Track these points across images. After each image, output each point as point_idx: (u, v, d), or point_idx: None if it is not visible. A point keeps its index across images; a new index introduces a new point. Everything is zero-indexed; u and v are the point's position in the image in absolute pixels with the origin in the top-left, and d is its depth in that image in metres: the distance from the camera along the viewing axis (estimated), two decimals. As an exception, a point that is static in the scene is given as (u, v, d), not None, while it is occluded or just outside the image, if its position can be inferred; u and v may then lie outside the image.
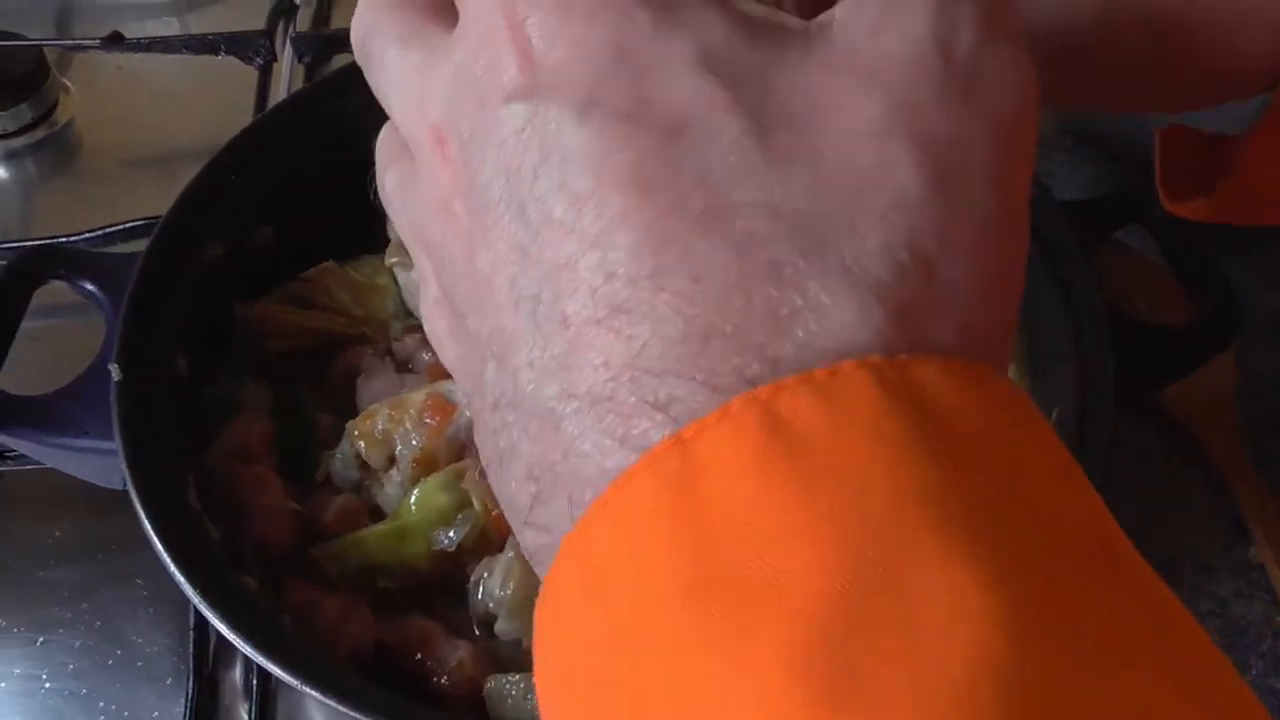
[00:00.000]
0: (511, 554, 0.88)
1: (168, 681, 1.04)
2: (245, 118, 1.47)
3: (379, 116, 1.11)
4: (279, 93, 1.50)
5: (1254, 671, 1.03)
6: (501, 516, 0.91)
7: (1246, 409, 1.21)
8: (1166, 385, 0.98)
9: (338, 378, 1.06)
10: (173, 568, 0.77)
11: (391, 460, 0.96)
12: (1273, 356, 1.26)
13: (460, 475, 0.93)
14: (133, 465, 0.81)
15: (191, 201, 0.99)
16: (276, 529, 0.92)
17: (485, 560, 0.90)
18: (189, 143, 1.50)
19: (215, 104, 1.52)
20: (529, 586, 0.87)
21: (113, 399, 0.84)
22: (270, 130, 1.06)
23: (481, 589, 0.89)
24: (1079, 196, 1.18)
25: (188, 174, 1.29)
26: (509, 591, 0.87)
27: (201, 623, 1.00)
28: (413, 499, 0.93)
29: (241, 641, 0.74)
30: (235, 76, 1.52)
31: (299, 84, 1.49)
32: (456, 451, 0.96)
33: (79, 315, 1.18)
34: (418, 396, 0.98)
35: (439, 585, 0.93)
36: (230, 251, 1.02)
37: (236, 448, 0.97)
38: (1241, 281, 1.41)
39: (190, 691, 1.01)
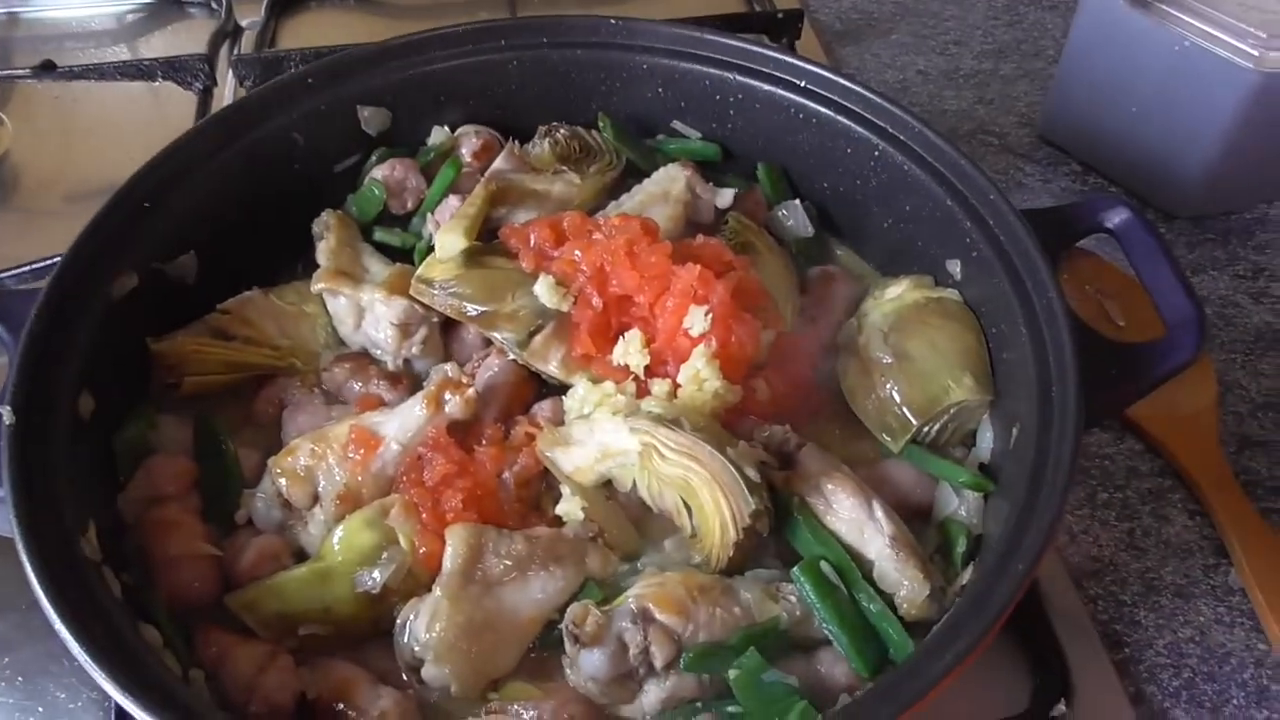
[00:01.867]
0: (439, 593, 0.83)
1: (91, 739, 0.98)
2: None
3: (313, 134, 1.07)
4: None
5: (1234, 702, 0.97)
6: (430, 555, 0.86)
7: (1229, 426, 1.16)
8: (1134, 401, 0.93)
9: (261, 412, 1.00)
10: (57, 622, 0.71)
11: (315, 498, 0.91)
12: (1258, 371, 1.21)
13: (385, 512, 0.87)
14: (21, 515, 0.76)
15: (99, 232, 0.94)
16: (189, 578, 0.86)
17: (411, 602, 0.84)
18: (130, 173, 1.45)
19: (156, 131, 1.45)
20: (457, 628, 0.81)
21: (3, 444, 0.78)
22: (189, 153, 1.01)
23: (407, 632, 0.83)
24: (1048, 204, 1.13)
25: None
26: (435, 634, 0.81)
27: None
28: (335, 538, 0.87)
29: (124, 698, 0.68)
30: (175, 103, 1.47)
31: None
32: (383, 487, 0.91)
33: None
34: (341, 429, 0.92)
35: (366, 630, 0.87)
36: (146, 283, 0.96)
37: (148, 493, 0.91)
38: (1226, 293, 1.37)
39: (111, 749, 0.95)
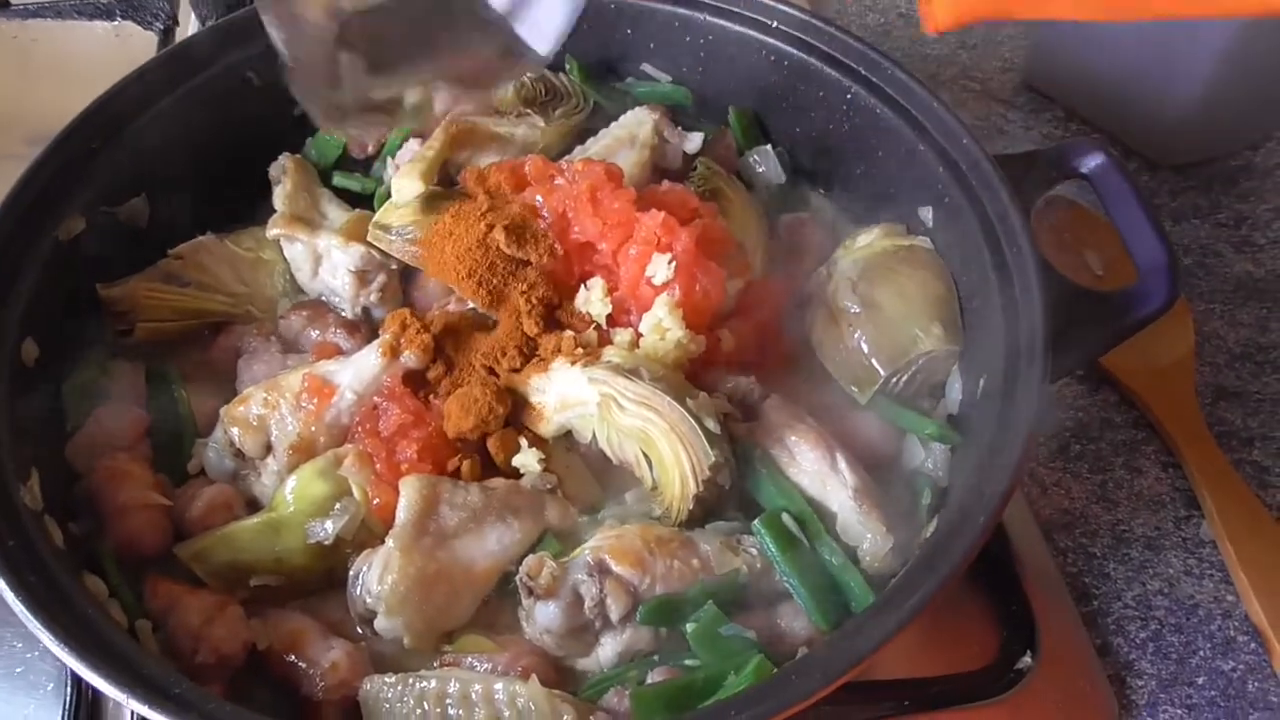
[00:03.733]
0: (392, 545, 0.81)
1: (49, 688, 0.96)
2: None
3: (269, 74, 1.04)
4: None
5: (1201, 654, 0.97)
6: (384, 506, 0.84)
7: (1205, 377, 1.14)
8: (1106, 349, 0.91)
9: (216, 360, 0.98)
10: (10, 591, 0.69)
11: (268, 448, 0.89)
12: (1237, 321, 1.19)
13: (338, 462, 0.86)
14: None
15: (42, 173, 0.91)
16: (137, 527, 0.85)
17: (365, 553, 0.83)
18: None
19: (117, 72, 1.42)
20: (410, 580, 0.80)
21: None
22: (137, 92, 0.98)
23: (360, 583, 0.82)
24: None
25: None
26: (387, 585, 0.79)
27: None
28: (288, 488, 0.85)
29: (58, 647, 0.67)
30: (135, 42, 1.43)
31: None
32: (337, 436, 0.89)
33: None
34: (295, 378, 0.90)
35: (319, 581, 0.86)
36: (93, 226, 0.94)
37: (97, 441, 0.89)
38: (1207, 242, 1.35)
39: (68, 698, 0.94)
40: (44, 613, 0.68)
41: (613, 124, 1.08)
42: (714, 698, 0.75)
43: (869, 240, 1.01)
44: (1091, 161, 0.96)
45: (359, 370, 0.90)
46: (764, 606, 0.82)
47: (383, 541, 0.83)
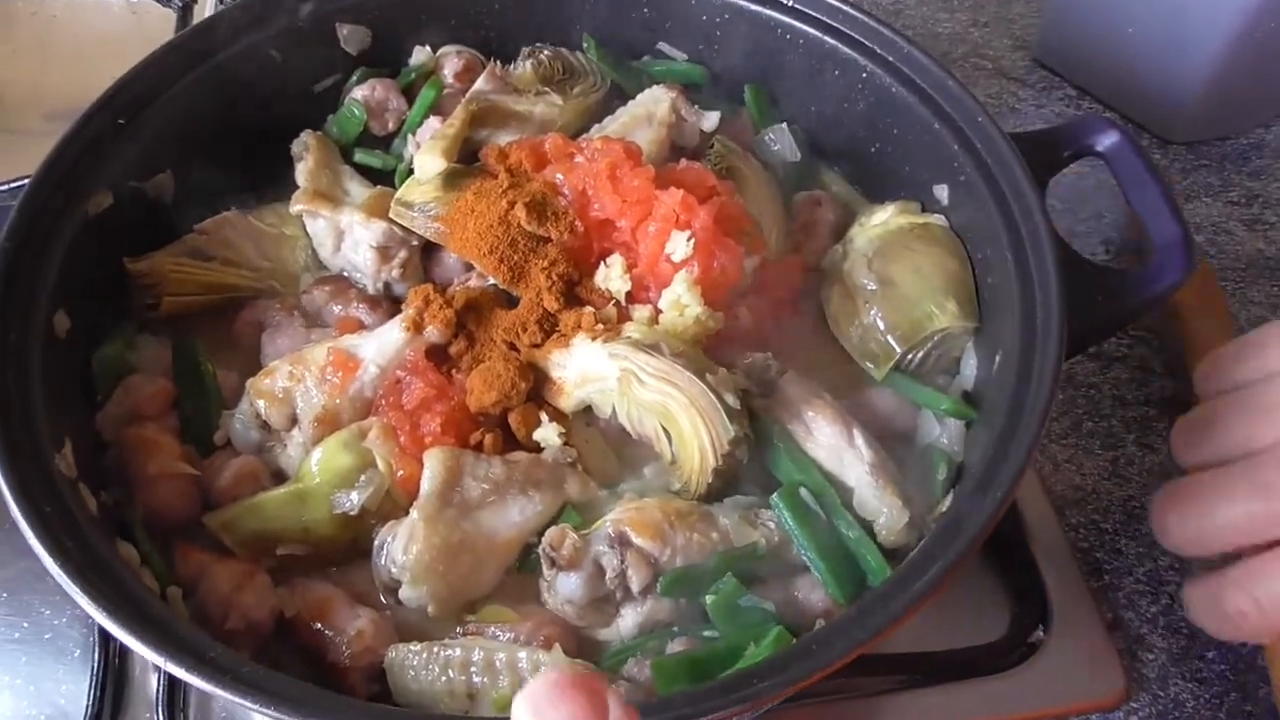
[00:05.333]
0: (416, 516, 0.83)
1: (75, 654, 0.99)
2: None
3: (292, 51, 1.05)
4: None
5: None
6: (408, 478, 0.86)
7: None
8: (1120, 326, 0.92)
9: (241, 334, 0.99)
10: (32, 537, 0.71)
11: (293, 420, 0.90)
12: (1248, 299, 1.20)
13: (363, 434, 0.87)
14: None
15: (70, 148, 0.92)
16: (166, 496, 0.86)
17: (389, 524, 0.84)
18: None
19: (136, 49, 1.42)
20: (434, 550, 0.81)
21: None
22: (163, 68, 0.99)
23: (384, 554, 0.83)
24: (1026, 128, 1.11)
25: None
26: (411, 555, 0.81)
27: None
28: (314, 460, 0.87)
29: (98, 612, 0.68)
30: (154, 19, 1.44)
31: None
32: (361, 409, 0.90)
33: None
34: (319, 351, 0.92)
35: (345, 551, 0.87)
36: (121, 201, 0.95)
37: (127, 411, 0.91)
38: (1219, 220, 1.35)
39: (96, 664, 0.96)
40: (82, 579, 0.70)
41: (630, 102, 1.09)
42: (734, 667, 0.76)
43: (884, 218, 1.01)
44: (1106, 139, 0.97)
45: (382, 344, 0.91)
46: (781, 579, 0.84)
47: (407, 512, 0.84)
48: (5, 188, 1.21)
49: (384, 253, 0.99)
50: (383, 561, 0.83)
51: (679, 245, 0.91)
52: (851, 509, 0.85)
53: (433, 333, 0.91)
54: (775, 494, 0.85)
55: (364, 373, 0.90)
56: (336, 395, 0.90)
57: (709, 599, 0.80)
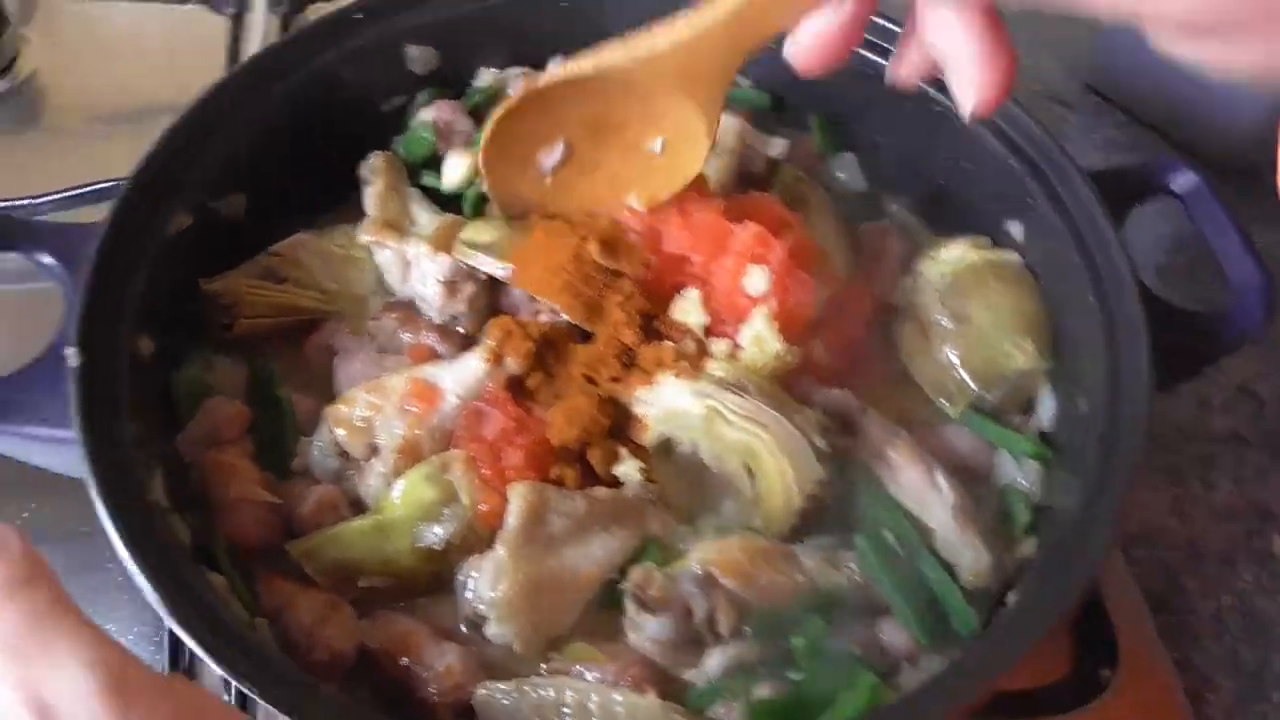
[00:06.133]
0: (502, 552, 0.82)
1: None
2: (216, 71, 1.38)
3: (360, 72, 1.04)
4: (251, 44, 1.40)
5: (1274, 667, 0.99)
6: (491, 512, 0.86)
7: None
8: (1198, 371, 0.92)
9: (311, 357, 0.99)
10: (134, 568, 0.71)
11: (373, 449, 0.90)
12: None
13: (446, 467, 0.87)
14: (93, 459, 0.75)
15: (156, 167, 0.91)
16: (249, 523, 0.86)
17: (473, 559, 0.84)
18: (158, 98, 1.39)
19: (185, 56, 1.42)
20: (520, 587, 0.81)
21: (70, 386, 0.77)
22: (242, 87, 0.99)
23: (470, 590, 0.83)
24: (1093, 158, 1.10)
25: (156, 132, 1.21)
26: (499, 592, 0.81)
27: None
28: (396, 492, 0.87)
29: (201, 650, 0.68)
30: (205, 26, 1.43)
31: (274, 35, 1.40)
32: (442, 440, 0.90)
33: (40, 282, 1.09)
34: (399, 381, 0.91)
35: (425, 584, 0.87)
36: (198, 221, 0.95)
37: (207, 434, 0.90)
38: (1276, 251, 1.35)
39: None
40: (183, 612, 0.70)
41: None
42: (828, 713, 0.77)
43: (957, 253, 1.01)
44: (1183, 180, 0.97)
45: (462, 375, 0.91)
46: (863, 620, 0.84)
47: (489, 546, 0.84)
48: (58, 196, 1.20)
49: (451, 287, 0.99)
50: (468, 597, 0.83)
51: (756, 280, 0.91)
52: (934, 550, 0.85)
53: (512, 364, 0.91)
54: (859, 535, 0.85)
55: (444, 403, 0.90)
56: (418, 425, 0.89)
57: (795, 641, 0.81)
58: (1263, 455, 1.12)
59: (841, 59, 0.69)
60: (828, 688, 0.79)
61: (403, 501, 0.86)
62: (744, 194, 1.02)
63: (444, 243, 0.99)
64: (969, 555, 0.84)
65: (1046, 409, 0.95)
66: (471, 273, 0.99)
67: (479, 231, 0.99)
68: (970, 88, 0.60)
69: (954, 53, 0.61)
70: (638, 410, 0.89)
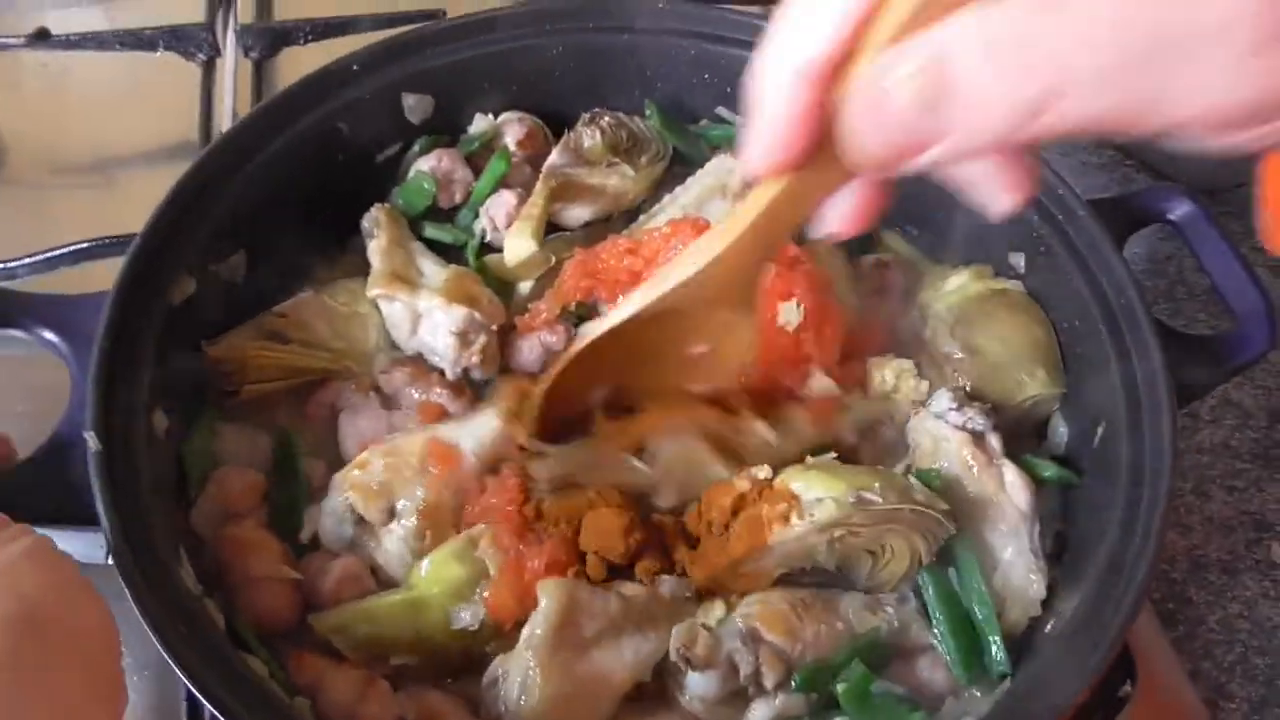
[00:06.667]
0: (530, 659, 0.79)
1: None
2: (188, 120, 1.35)
3: (357, 123, 1.02)
4: (223, 91, 1.37)
5: (1286, 674, 1.02)
6: (502, 606, 0.82)
7: (1273, 401, 1.19)
8: (1206, 394, 0.95)
9: (314, 415, 0.96)
10: (180, 670, 0.69)
11: (391, 513, 0.88)
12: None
13: (474, 544, 0.85)
14: (126, 554, 0.73)
15: (159, 234, 0.89)
16: (275, 602, 0.84)
17: (500, 658, 0.82)
18: (127, 149, 1.36)
19: (154, 105, 1.39)
20: (549, 700, 0.78)
21: (94, 475, 0.75)
22: (240, 145, 0.96)
23: (499, 694, 0.80)
24: (1087, 193, 1.13)
25: (128, 185, 1.19)
26: (526, 703, 0.78)
27: (194, 700, 0.90)
28: (423, 569, 0.85)
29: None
30: (174, 74, 1.39)
31: (246, 82, 1.37)
32: (461, 502, 0.88)
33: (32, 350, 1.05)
34: (416, 442, 0.89)
35: (456, 662, 0.85)
36: (201, 286, 0.92)
37: (220, 508, 0.88)
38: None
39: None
40: (235, 703, 0.68)
41: (698, 173, 1.08)
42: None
43: (960, 283, 1.03)
44: (1179, 208, 1.00)
45: (479, 434, 0.90)
46: (902, 660, 0.85)
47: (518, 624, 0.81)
48: (40, 258, 1.16)
49: (464, 338, 0.97)
50: (495, 701, 0.80)
51: (790, 313, 0.91)
52: (990, 583, 0.86)
53: (529, 419, 0.90)
54: (923, 571, 0.85)
55: (464, 463, 0.89)
56: (439, 487, 0.88)
57: (840, 688, 0.81)
58: (1253, 465, 1.16)
59: (875, 221, 0.66)
60: (877, 728, 0.79)
61: (431, 579, 0.84)
62: None
63: (457, 294, 0.98)
64: (1032, 590, 0.85)
65: (1059, 435, 0.97)
66: (484, 323, 0.98)
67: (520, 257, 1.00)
68: (1004, 193, 0.57)
69: (981, 175, 0.58)
70: (747, 567, 0.85)
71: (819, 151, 0.57)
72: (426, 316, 0.98)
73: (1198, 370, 0.92)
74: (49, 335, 0.86)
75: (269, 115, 0.98)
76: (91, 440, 0.76)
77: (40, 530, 0.75)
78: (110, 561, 0.75)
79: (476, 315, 0.97)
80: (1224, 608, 1.06)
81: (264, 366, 0.95)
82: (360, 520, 0.89)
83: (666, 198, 1.08)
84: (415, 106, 1.07)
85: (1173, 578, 1.08)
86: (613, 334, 0.82)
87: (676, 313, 0.79)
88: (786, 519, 0.82)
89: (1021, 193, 0.57)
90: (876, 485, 0.82)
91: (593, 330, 0.85)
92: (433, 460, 0.89)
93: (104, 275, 0.92)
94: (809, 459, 0.88)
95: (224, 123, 1.35)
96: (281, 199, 1.00)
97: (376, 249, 1.01)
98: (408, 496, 0.88)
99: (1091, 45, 0.45)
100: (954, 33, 0.48)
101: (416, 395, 0.98)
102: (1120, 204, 1.02)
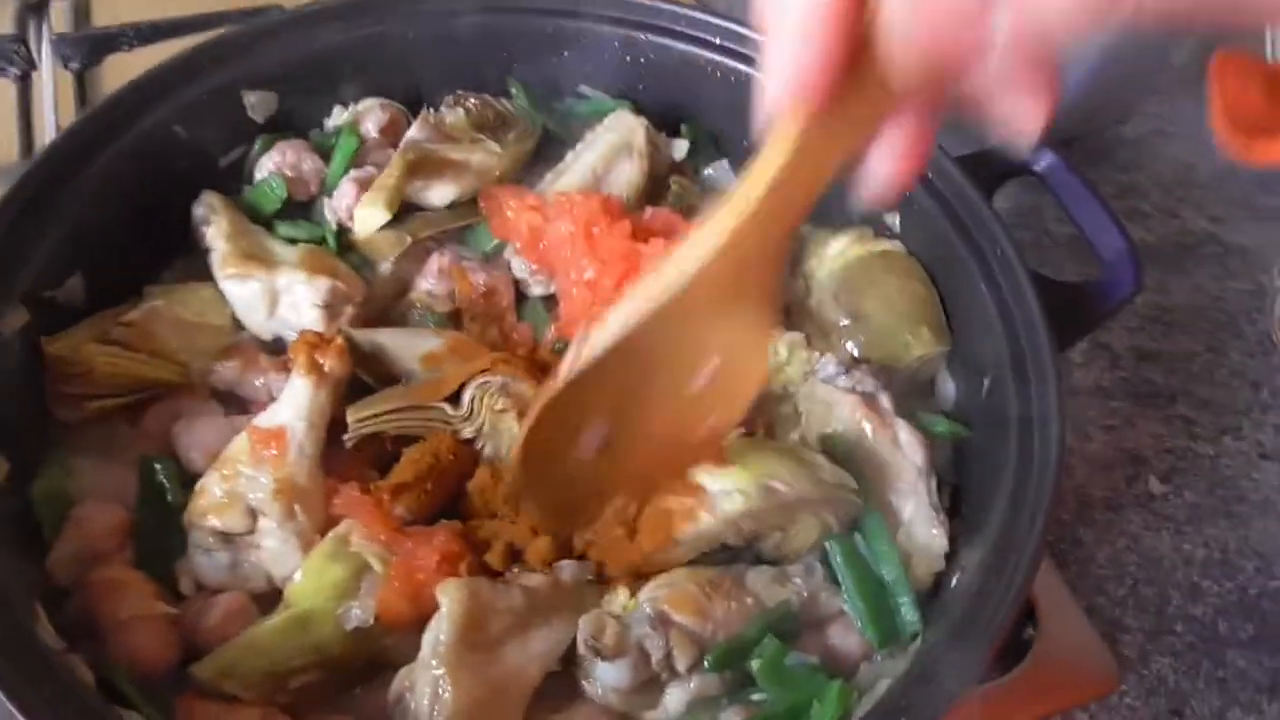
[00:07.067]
0: (436, 666, 0.75)
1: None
2: (6, 136, 1.26)
3: (196, 125, 0.95)
4: (43, 107, 1.28)
5: (1174, 603, 1.06)
6: (409, 584, 0.79)
7: (1125, 340, 1.23)
8: (1079, 339, 0.97)
9: (152, 428, 0.90)
10: None
11: (252, 515, 0.82)
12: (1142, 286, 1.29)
13: (346, 541, 0.80)
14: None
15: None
16: (151, 643, 0.77)
17: (404, 670, 0.77)
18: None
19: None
20: (465, 707, 0.74)
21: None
22: (65, 157, 0.89)
23: (408, 708, 0.75)
24: (951, 149, 1.15)
25: None
26: (439, 714, 0.74)
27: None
28: (297, 579, 0.80)
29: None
30: (-9, 91, 1.29)
31: (68, 95, 1.27)
32: (312, 470, 0.84)
33: None
34: (239, 442, 0.84)
35: (359, 671, 0.80)
36: (38, 316, 0.84)
37: (81, 550, 0.80)
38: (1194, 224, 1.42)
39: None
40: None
41: (599, 128, 1.05)
42: (804, 723, 0.76)
43: (841, 248, 1.02)
44: (1043, 160, 1.01)
45: (294, 401, 0.85)
46: (813, 630, 0.83)
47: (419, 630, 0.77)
48: None
49: (331, 310, 0.93)
50: (404, 716, 0.75)
51: None
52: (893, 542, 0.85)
53: (335, 368, 0.86)
54: (830, 539, 0.84)
55: (294, 434, 0.84)
56: (281, 465, 0.83)
57: (755, 664, 0.79)
58: (1125, 403, 1.20)
59: (925, 162, 0.57)
60: (803, 703, 0.78)
61: (311, 588, 0.79)
62: (641, 211, 1.01)
63: (319, 267, 0.93)
64: (935, 545, 0.85)
65: (946, 390, 0.97)
66: (349, 294, 0.93)
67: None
68: (1029, 114, 0.49)
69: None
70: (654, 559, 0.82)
71: (851, 78, 0.48)
72: (286, 293, 0.93)
73: (1072, 316, 0.94)
74: None
75: (96, 122, 0.91)
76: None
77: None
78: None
79: (341, 285, 0.93)
80: (1111, 543, 1.10)
81: (112, 375, 0.88)
82: (227, 539, 0.83)
83: (569, 155, 1.05)
84: (258, 104, 1.01)
85: (1062, 519, 1.11)
86: (609, 359, 0.65)
87: (681, 327, 0.63)
88: (694, 515, 0.80)
89: (1047, 110, 0.49)
90: (785, 473, 0.81)
91: (589, 353, 0.66)
92: (260, 448, 0.84)
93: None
94: None
95: (46, 140, 1.25)
96: (117, 213, 0.93)
97: (218, 233, 0.95)
98: (256, 490, 0.82)
99: None
100: None
101: (259, 382, 0.92)
102: (984, 158, 1.03)
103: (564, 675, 0.80)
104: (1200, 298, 1.31)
